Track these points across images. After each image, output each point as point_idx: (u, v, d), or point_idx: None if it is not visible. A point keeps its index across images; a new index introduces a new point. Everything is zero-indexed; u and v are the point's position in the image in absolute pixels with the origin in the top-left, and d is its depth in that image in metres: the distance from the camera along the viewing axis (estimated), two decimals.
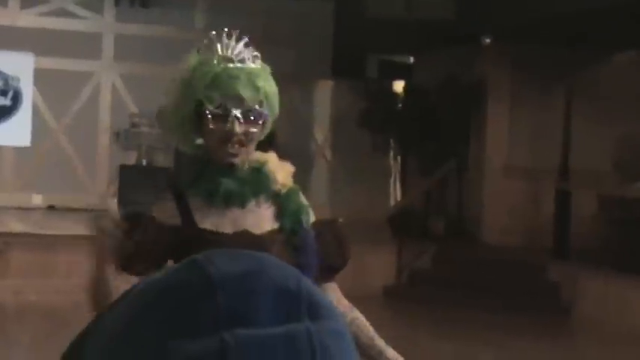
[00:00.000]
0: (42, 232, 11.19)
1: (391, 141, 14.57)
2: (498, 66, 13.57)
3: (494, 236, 13.17)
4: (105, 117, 14.60)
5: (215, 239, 2.78)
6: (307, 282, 0.66)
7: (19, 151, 14.24)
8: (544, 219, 12.52)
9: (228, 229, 2.84)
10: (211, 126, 2.78)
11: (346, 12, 14.60)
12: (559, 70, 12.94)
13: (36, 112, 14.31)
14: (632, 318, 10.06)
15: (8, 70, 14.10)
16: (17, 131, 14.15)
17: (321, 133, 15.85)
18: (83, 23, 14.57)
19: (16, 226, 11.62)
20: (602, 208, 11.65)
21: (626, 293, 10.36)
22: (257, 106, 2.80)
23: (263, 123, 2.84)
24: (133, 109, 14.34)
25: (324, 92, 15.91)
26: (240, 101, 2.79)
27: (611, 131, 12.36)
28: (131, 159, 13.86)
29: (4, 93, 14.12)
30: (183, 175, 2.94)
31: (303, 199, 3.03)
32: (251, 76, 2.82)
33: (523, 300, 11.08)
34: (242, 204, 2.89)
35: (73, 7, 14.51)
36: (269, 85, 2.86)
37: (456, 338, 9.27)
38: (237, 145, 2.80)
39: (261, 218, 2.93)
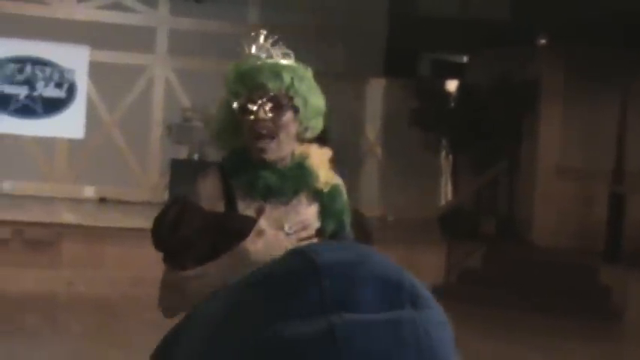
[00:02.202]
0: (93, 224, 11.30)
1: (443, 140, 14.49)
2: (552, 66, 13.45)
3: (545, 238, 13.05)
4: (157, 111, 14.70)
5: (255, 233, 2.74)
6: (408, 273, 0.67)
7: (72, 143, 14.40)
8: (596, 221, 12.38)
9: (271, 226, 2.78)
10: (242, 120, 2.78)
11: (399, 10, 14.55)
12: (614, 71, 12.79)
13: (90, 104, 14.46)
14: None
15: (64, 63, 14.27)
16: (71, 123, 14.32)
17: (372, 132, 15.82)
18: (138, 17, 14.69)
19: (68, 217, 11.75)
20: None
21: None
22: (284, 95, 2.79)
23: (294, 113, 2.81)
24: (186, 103, 14.43)
25: (375, 91, 15.87)
26: (265, 91, 2.78)
27: None
28: (183, 153, 13.95)
29: (59, 85, 14.28)
30: (229, 163, 2.92)
31: (344, 198, 3.00)
32: (275, 67, 2.83)
33: (573, 303, 10.96)
34: (282, 199, 2.85)
35: (128, 1, 14.63)
36: (299, 79, 2.84)
37: (504, 339, 9.21)
38: (267, 140, 2.77)
39: (304, 216, 2.88)
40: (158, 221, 2.77)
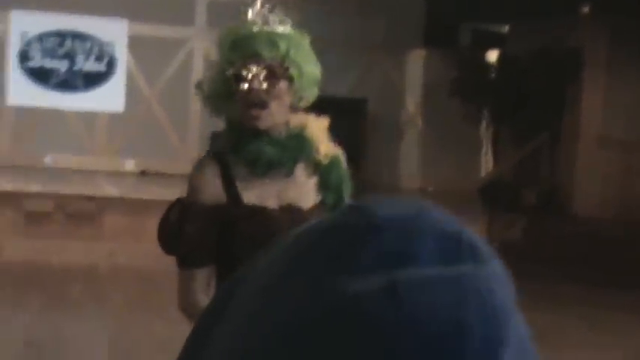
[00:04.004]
0: (134, 196, 11.38)
1: (484, 111, 14.40)
2: (596, 36, 13.27)
3: (588, 209, 12.94)
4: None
5: (261, 216, 2.74)
6: (468, 228, 0.66)
7: (112, 116, 14.48)
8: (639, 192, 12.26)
9: (273, 202, 2.78)
10: (236, 88, 2.75)
11: None
12: None
13: (130, 78, 14.52)
14: None
15: (103, 37, 14.33)
16: (111, 97, 14.40)
17: (412, 103, 15.76)
18: None
19: (110, 190, 11.84)
20: None
21: None
22: (279, 64, 2.76)
23: (289, 83, 2.78)
24: None
25: (415, 61, 15.79)
26: (259, 59, 2.75)
27: None
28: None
29: (99, 59, 14.35)
30: (224, 142, 2.87)
31: (344, 169, 2.97)
32: (271, 35, 2.79)
33: (617, 275, 10.87)
34: (283, 171, 2.82)
35: None
36: (295, 48, 2.80)
37: (546, 311, 9.17)
38: (259, 108, 2.74)
39: (304, 190, 2.86)
40: (162, 225, 2.76)
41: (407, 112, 15.76)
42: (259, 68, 2.74)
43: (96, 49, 14.31)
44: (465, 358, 0.58)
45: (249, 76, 2.74)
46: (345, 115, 14.02)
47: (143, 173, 14.17)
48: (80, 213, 10.62)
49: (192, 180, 2.79)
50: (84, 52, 14.27)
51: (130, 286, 9.52)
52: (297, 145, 2.83)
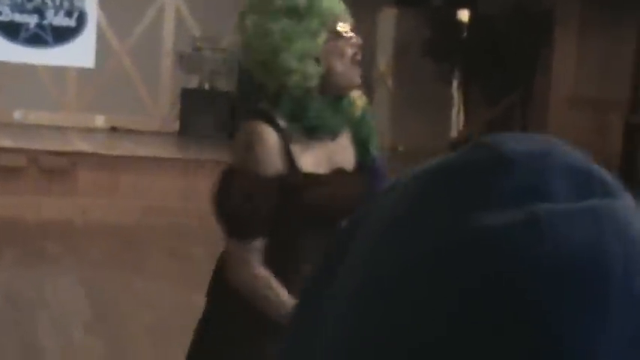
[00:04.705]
0: (106, 152, 11.31)
1: (455, 71, 14.42)
2: None
3: None
4: (168, 39, 14.60)
5: (317, 183, 2.71)
6: (595, 163, 0.66)
7: (82, 72, 14.33)
8: (611, 153, 12.36)
9: (325, 167, 2.75)
10: (346, 49, 2.71)
11: None
12: (631, 3, 12.66)
13: (100, 33, 14.36)
14: None
15: None
16: (81, 52, 14.23)
17: (383, 62, 15.74)
18: None
19: (82, 145, 11.75)
20: None
21: None
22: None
23: None
24: (197, 32, 14.33)
25: (387, 20, 15.75)
26: (346, 18, 2.76)
27: None
28: (193, 83, 13.90)
29: (69, 14, 14.17)
30: (283, 109, 2.73)
31: (371, 120, 2.95)
32: None
33: None
34: (330, 134, 2.78)
35: None
36: None
37: None
38: (360, 66, 2.75)
39: (347, 150, 2.84)
40: (221, 200, 2.69)
41: (377, 71, 15.75)
42: (352, 26, 2.73)
43: (66, 4, 14.11)
44: (610, 287, 0.59)
45: (350, 33, 2.72)
46: None
47: (114, 129, 14.06)
48: (53, 168, 10.54)
49: (255, 150, 2.67)
50: (54, 7, 14.08)
51: (105, 242, 9.48)
52: (348, 105, 2.81)
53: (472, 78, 14.22)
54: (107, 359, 6.27)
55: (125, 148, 11.91)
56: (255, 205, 2.63)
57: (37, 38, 14.05)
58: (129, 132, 13.76)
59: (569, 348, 0.59)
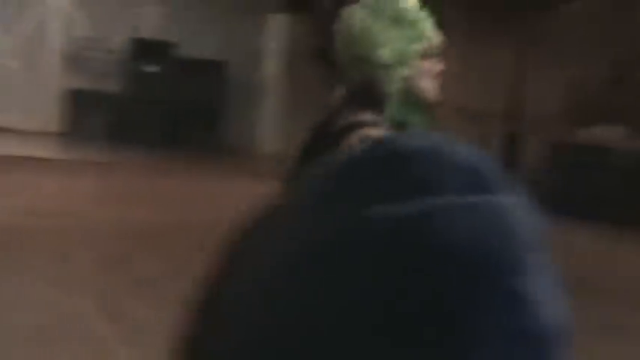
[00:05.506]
0: None
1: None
2: (454, 6, 13.54)
3: None
4: (55, 40, 14.36)
5: None
6: (491, 160, 0.69)
7: None
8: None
9: None
10: (433, 67, 2.74)
11: None
12: (512, 14, 12.93)
13: None
14: (575, 261, 10.24)
15: None
16: None
17: (273, 67, 15.76)
18: None
19: None
20: (552, 152, 11.78)
21: (571, 238, 10.53)
22: None
23: None
24: (85, 33, 14.13)
25: (277, 25, 15.78)
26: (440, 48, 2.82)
27: (563, 75, 12.44)
28: (80, 84, 13.72)
29: None
30: (374, 113, 2.75)
31: None
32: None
33: None
34: None
35: None
36: None
37: None
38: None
39: None
40: None
41: (268, 76, 15.76)
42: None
43: None
44: (486, 278, 0.63)
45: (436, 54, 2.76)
46: (204, 77, 13.91)
47: None
48: None
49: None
50: None
51: None
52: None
53: None
54: None
55: (5, 147, 11.66)
56: None
57: None
58: (12, 131, 13.49)
59: (460, 326, 0.63)
